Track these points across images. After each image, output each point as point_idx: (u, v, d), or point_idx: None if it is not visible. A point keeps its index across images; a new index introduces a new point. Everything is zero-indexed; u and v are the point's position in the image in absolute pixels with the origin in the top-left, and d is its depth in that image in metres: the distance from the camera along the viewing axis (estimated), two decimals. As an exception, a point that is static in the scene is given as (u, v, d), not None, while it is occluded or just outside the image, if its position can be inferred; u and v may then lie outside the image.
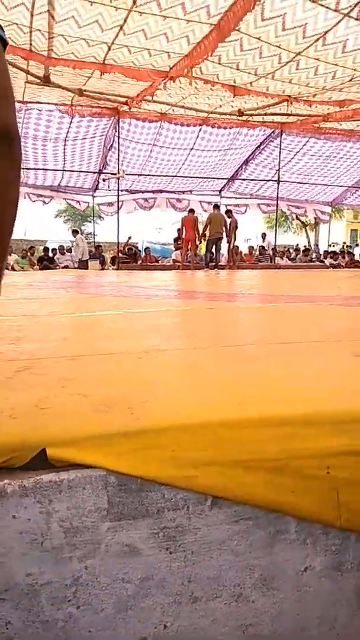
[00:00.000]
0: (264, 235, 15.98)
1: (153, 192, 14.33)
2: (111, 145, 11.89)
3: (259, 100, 9.39)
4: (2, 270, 0.78)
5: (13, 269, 11.59)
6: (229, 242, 11.49)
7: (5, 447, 0.93)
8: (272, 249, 14.48)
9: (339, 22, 5.94)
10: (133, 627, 1.01)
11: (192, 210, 11.88)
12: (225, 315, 3.06)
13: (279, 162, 12.48)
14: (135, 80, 7.94)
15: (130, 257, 13.32)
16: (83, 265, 11.79)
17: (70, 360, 1.61)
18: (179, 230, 12.38)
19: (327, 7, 5.60)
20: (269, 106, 9.63)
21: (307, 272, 9.47)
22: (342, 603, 1.15)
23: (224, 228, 11.01)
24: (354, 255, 15.39)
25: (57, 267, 12.65)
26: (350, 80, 7.79)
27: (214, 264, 11.08)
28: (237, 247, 12.86)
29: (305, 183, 14.46)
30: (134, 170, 12.72)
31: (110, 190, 13.38)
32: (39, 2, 5.66)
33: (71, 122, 10.87)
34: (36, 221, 29.67)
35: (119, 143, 11.27)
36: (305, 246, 18.99)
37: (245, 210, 15.32)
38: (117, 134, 11.14)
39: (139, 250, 14.76)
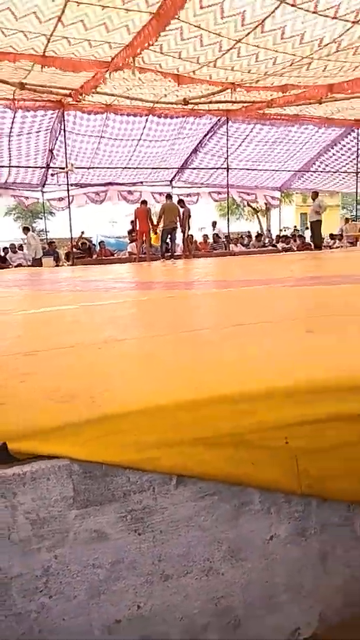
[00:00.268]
0: (214, 224, 16.09)
1: (103, 185, 14.15)
2: (56, 139, 11.65)
3: (203, 89, 9.39)
4: None
5: None
6: (183, 231, 11.51)
7: (-36, 444, 0.92)
8: (226, 236, 14.59)
9: (276, 8, 6.00)
10: (107, 611, 1.03)
11: (144, 202, 11.80)
12: (182, 303, 3.08)
13: (227, 150, 12.57)
14: (78, 72, 7.79)
15: (84, 252, 13.13)
16: (37, 263, 11.53)
17: (27, 356, 1.59)
18: (132, 222, 12.30)
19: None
20: (214, 94, 9.65)
21: (261, 257, 9.62)
22: (307, 568, 1.20)
23: (177, 218, 11.02)
24: (304, 238, 15.69)
25: (10, 266, 12.33)
26: (290, 65, 7.90)
27: (169, 254, 11.09)
28: (192, 236, 12.90)
29: (253, 169, 14.63)
30: (82, 163, 12.49)
31: (59, 185, 13.10)
32: (-30, -7, 5.46)
33: (14, 116, 10.56)
34: (-16, 220, 28.68)
35: (65, 136, 11.04)
36: (257, 232, 19.26)
37: (197, 200, 15.37)
38: (62, 127, 10.91)
39: (94, 245, 14.55)
